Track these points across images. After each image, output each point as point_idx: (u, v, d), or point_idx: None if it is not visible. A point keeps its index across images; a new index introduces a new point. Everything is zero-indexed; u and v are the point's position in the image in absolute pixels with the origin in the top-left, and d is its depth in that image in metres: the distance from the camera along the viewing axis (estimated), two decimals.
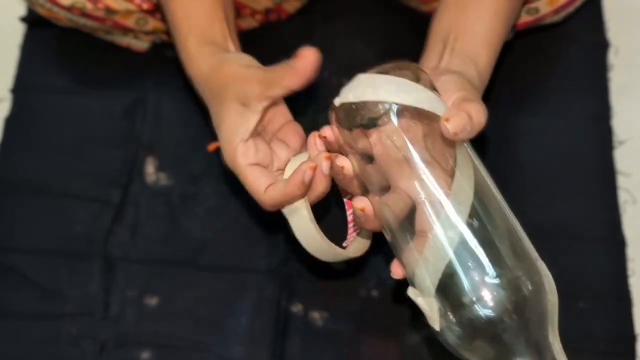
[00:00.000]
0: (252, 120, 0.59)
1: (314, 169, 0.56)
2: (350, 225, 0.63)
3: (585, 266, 0.77)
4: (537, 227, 0.78)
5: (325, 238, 0.60)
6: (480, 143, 0.81)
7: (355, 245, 0.64)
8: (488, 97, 0.84)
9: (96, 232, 0.77)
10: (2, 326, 0.74)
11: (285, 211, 0.60)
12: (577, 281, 0.76)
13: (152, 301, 0.75)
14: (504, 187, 0.80)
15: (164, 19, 0.80)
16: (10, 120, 0.83)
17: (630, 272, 0.77)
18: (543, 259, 0.77)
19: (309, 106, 0.83)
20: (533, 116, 0.83)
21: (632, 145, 0.83)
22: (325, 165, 0.57)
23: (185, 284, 0.75)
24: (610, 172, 0.81)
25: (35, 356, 0.73)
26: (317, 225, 0.60)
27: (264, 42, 0.86)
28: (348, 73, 0.84)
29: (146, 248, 0.77)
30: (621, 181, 0.81)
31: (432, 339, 0.73)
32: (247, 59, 0.61)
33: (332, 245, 0.61)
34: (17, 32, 0.88)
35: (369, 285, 0.76)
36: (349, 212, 0.63)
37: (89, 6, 0.74)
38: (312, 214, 0.59)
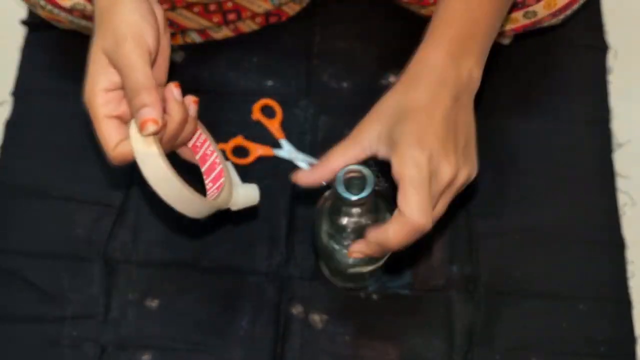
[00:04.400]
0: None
1: (157, 121, 0.53)
2: (207, 179, 0.61)
3: (585, 268, 0.77)
4: (536, 229, 0.78)
5: (185, 184, 0.56)
6: (478, 145, 0.82)
7: (223, 196, 0.61)
8: (488, 100, 0.84)
9: (97, 235, 0.77)
10: (3, 329, 0.74)
11: (138, 157, 0.56)
12: (576, 283, 0.76)
13: (153, 304, 0.75)
14: (503, 189, 0.80)
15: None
16: (11, 124, 0.83)
17: (629, 274, 0.77)
18: (543, 261, 0.77)
19: (309, 109, 0.84)
20: (533, 119, 0.83)
21: (631, 148, 0.83)
22: (176, 91, 0.55)
23: (186, 286, 0.76)
24: (610, 175, 0.81)
25: (37, 359, 0.73)
26: (174, 172, 0.56)
27: (264, 45, 0.86)
28: (347, 76, 0.85)
29: (147, 251, 0.77)
30: (620, 184, 0.81)
31: (431, 341, 0.74)
32: (142, 15, 0.55)
33: (194, 192, 0.57)
34: (17, 35, 0.88)
35: (369, 288, 0.76)
36: (204, 167, 0.61)
37: (90, 8, 0.74)
38: (167, 161, 0.56)
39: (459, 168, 0.55)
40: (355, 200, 0.56)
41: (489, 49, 0.58)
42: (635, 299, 0.76)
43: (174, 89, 0.55)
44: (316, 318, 0.75)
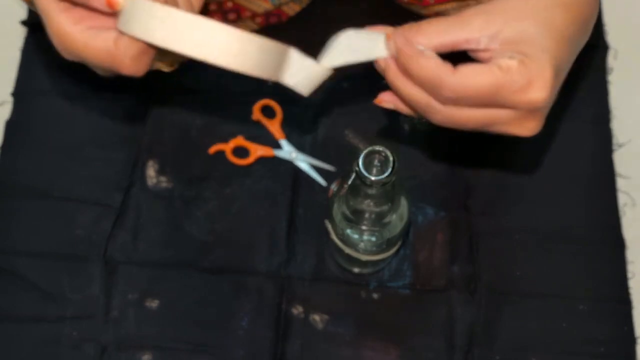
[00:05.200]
0: None
1: None
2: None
3: (585, 269, 0.77)
4: (537, 229, 0.78)
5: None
6: (479, 145, 0.82)
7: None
8: None
9: (97, 235, 0.77)
10: (3, 329, 0.74)
11: (124, 19, 0.43)
12: (577, 284, 0.76)
13: (153, 304, 0.75)
14: (504, 190, 0.80)
15: None
16: (11, 124, 0.83)
17: (629, 274, 0.77)
18: (543, 261, 0.77)
19: (308, 109, 0.84)
20: None
21: (631, 148, 0.83)
22: None
23: (186, 287, 0.76)
24: (610, 175, 0.81)
25: (37, 359, 0.73)
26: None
27: None
28: (347, 76, 0.85)
29: (147, 251, 0.77)
30: (620, 184, 0.81)
31: (432, 341, 0.74)
32: None
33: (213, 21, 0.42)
34: (18, 35, 0.88)
35: (369, 288, 0.76)
36: None
37: None
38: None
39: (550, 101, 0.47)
40: (376, 181, 0.57)
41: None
42: (635, 299, 0.76)
43: None
44: (316, 318, 0.75)
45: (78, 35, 0.44)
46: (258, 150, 0.81)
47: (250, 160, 0.80)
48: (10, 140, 0.82)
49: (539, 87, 0.44)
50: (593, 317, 0.75)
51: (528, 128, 0.48)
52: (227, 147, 0.80)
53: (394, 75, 0.48)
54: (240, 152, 0.81)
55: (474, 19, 0.46)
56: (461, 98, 0.46)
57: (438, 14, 0.80)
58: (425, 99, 0.47)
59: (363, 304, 0.75)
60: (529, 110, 0.46)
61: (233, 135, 0.81)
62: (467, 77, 0.45)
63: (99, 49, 0.44)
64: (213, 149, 0.80)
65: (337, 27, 0.88)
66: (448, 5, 0.76)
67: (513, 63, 0.45)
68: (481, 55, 0.47)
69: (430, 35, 0.47)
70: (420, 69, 0.46)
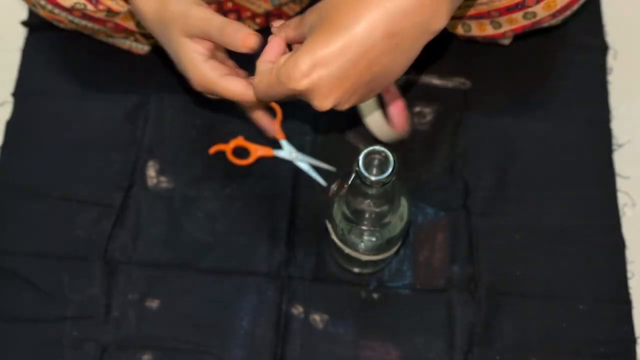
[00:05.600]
0: (204, 45, 0.62)
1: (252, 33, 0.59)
2: None
3: (585, 269, 0.77)
4: (537, 229, 0.78)
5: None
6: (479, 145, 0.82)
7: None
8: (488, 100, 0.85)
9: (97, 235, 0.77)
10: (4, 330, 0.74)
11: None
12: (577, 284, 0.76)
13: (153, 304, 0.75)
14: (504, 190, 0.80)
15: None
16: (11, 124, 0.83)
17: (629, 274, 0.77)
18: (543, 261, 0.77)
19: (308, 110, 0.84)
20: (532, 119, 0.84)
21: (631, 148, 0.83)
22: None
23: (186, 287, 0.76)
24: (610, 175, 0.81)
25: (37, 359, 0.73)
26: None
27: (266, 45, 0.86)
28: None
29: (147, 251, 0.77)
30: (620, 184, 0.81)
31: (432, 341, 0.74)
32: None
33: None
34: (18, 36, 0.88)
35: (370, 288, 0.76)
36: None
37: (90, 8, 0.74)
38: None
39: (337, 104, 0.55)
40: (376, 181, 0.57)
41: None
42: (635, 299, 0.76)
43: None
44: (317, 318, 0.75)
45: (217, 80, 0.62)
46: (258, 151, 0.81)
47: (250, 160, 0.80)
48: (11, 140, 0.82)
49: (295, 74, 0.52)
50: (593, 317, 0.75)
51: (314, 102, 0.55)
52: (227, 147, 0.81)
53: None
54: (241, 152, 0.81)
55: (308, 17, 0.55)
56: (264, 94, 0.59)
57: None
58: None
59: (363, 304, 0.75)
60: (303, 93, 0.54)
61: (233, 135, 0.81)
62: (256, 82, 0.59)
63: (233, 90, 0.62)
64: (213, 149, 0.80)
65: None
66: None
67: (289, 55, 0.54)
68: None
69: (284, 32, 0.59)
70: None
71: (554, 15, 0.74)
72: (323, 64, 0.51)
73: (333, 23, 0.51)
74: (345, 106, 0.56)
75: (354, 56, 0.51)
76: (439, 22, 0.51)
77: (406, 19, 0.50)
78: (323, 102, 0.54)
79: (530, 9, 0.72)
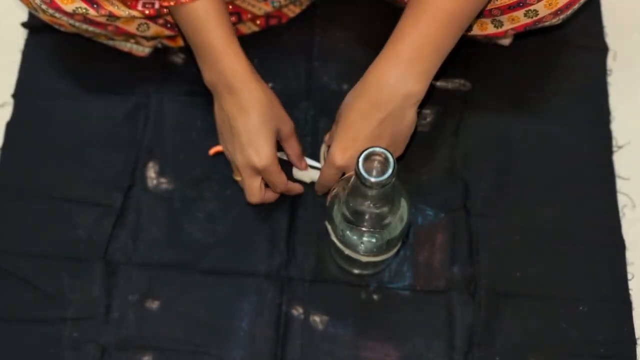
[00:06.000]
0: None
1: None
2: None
3: (585, 270, 0.77)
4: (537, 230, 0.78)
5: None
6: (479, 146, 0.82)
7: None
8: (488, 101, 0.85)
9: (98, 236, 0.77)
10: (4, 330, 0.74)
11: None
12: (576, 285, 0.76)
13: (153, 305, 0.75)
14: (504, 191, 0.80)
15: (166, 25, 0.80)
16: (11, 125, 0.83)
17: (629, 275, 0.77)
18: (543, 262, 0.77)
19: (309, 111, 0.84)
20: (533, 121, 0.84)
21: (631, 149, 0.83)
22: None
23: (186, 288, 0.76)
24: (610, 177, 0.81)
25: None
26: None
27: (265, 47, 0.86)
28: (348, 78, 0.85)
29: (147, 252, 0.77)
30: (620, 185, 0.81)
31: (432, 342, 0.74)
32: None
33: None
34: (19, 37, 0.88)
35: (370, 289, 0.76)
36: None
37: (92, 12, 0.74)
38: None
39: None
40: (376, 182, 0.57)
41: (438, 65, 0.70)
42: (635, 300, 0.76)
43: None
44: (317, 319, 0.75)
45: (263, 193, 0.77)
46: None
47: None
48: (11, 141, 0.82)
49: (336, 158, 0.71)
50: (593, 318, 0.75)
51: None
52: None
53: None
54: None
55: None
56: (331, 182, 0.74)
57: None
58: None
59: (363, 305, 0.75)
60: (346, 167, 0.72)
61: None
62: (322, 174, 0.76)
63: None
64: (213, 151, 0.80)
65: (336, 28, 0.88)
66: None
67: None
68: None
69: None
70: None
71: (555, 14, 0.74)
72: (351, 142, 0.70)
73: (346, 122, 0.71)
74: None
75: (369, 130, 0.70)
76: (420, 95, 0.70)
77: (403, 106, 0.70)
78: None
79: (531, 7, 0.72)
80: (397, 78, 0.69)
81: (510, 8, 0.73)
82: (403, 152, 0.74)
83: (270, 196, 0.77)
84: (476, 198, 0.79)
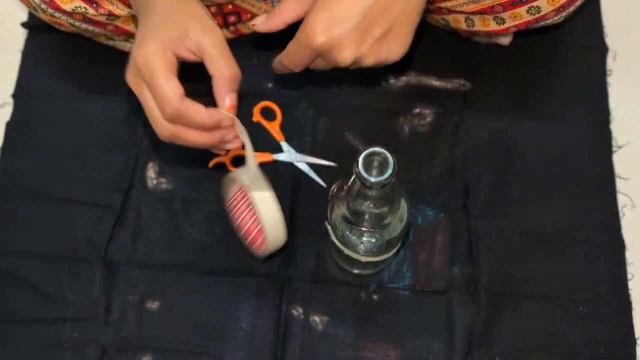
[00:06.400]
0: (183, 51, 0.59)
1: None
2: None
3: (585, 270, 0.77)
4: (537, 231, 0.78)
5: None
6: (479, 146, 0.82)
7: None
8: (488, 102, 0.85)
9: (98, 237, 0.77)
10: (4, 330, 0.74)
11: (256, 196, 0.65)
12: (577, 285, 0.76)
13: (154, 306, 0.75)
14: (504, 191, 0.80)
15: None
16: (11, 126, 0.83)
17: (629, 276, 0.77)
18: (543, 262, 0.77)
19: (309, 111, 0.84)
20: (532, 121, 0.84)
21: (631, 149, 0.83)
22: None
23: (186, 288, 0.76)
24: (610, 177, 0.81)
25: None
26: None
27: (265, 47, 0.86)
28: (348, 78, 0.85)
29: (147, 253, 0.77)
30: (620, 185, 0.81)
31: (432, 343, 0.74)
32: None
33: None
34: (19, 37, 0.88)
35: (370, 289, 0.76)
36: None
37: (91, 12, 0.74)
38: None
39: (359, 57, 0.60)
40: (376, 183, 0.57)
41: None
42: (635, 301, 0.76)
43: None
44: (317, 320, 0.75)
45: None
46: (258, 158, 0.80)
47: None
48: (11, 142, 0.82)
49: (315, 35, 0.58)
50: (593, 318, 0.75)
51: (341, 58, 0.60)
52: (227, 158, 0.80)
53: None
54: (240, 161, 0.81)
55: None
56: (299, 65, 0.63)
57: (442, 11, 0.79)
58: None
59: (363, 305, 0.75)
60: (324, 49, 0.59)
61: None
62: (286, 53, 0.63)
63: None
64: (213, 163, 0.80)
65: None
66: (451, 3, 0.76)
67: (302, 23, 0.59)
68: None
69: (284, 12, 0.62)
70: None
71: (558, 11, 0.73)
72: (339, 18, 0.57)
73: None
74: (369, 60, 0.61)
75: (366, 6, 0.56)
76: None
77: None
78: (343, 55, 0.59)
79: (534, 4, 0.72)
80: None
81: (513, 5, 0.73)
82: (410, 46, 0.62)
83: (189, 135, 0.60)
84: (476, 198, 0.79)
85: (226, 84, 0.60)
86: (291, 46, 0.61)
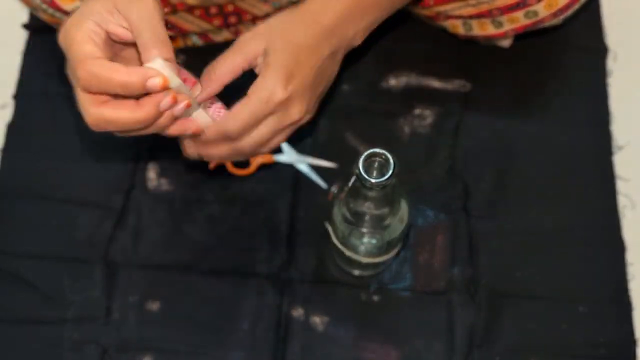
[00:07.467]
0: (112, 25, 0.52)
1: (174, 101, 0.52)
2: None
3: (585, 270, 0.77)
4: (537, 231, 0.79)
5: None
6: (478, 146, 0.82)
7: None
8: (488, 102, 0.85)
9: (98, 237, 0.77)
10: (4, 331, 0.74)
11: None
12: (577, 285, 0.76)
13: (154, 306, 0.75)
14: (504, 191, 0.80)
15: (165, 25, 0.80)
16: (12, 126, 0.83)
17: (629, 276, 0.77)
18: (543, 263, 0.77)
19: None
20: (532, 121, 0.84)
21: (631, 150, 0.83)
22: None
23: (187, 289, 0.76)
24: (610, 177, 0.81)
25: None
26: None
27: None
28: (347, 78, 0.85)
29: (148, 253, 0.77)
30: (620, 186, 0.81)
31: (432, 343, 0.74)
32: None
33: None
34: (19, 38, 0.88)
35: (370, 290, 0.76)
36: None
37: None
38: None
39: (307, 112, 0.61)
40: (376, 183, 0.57)
41: (377, 23, 0.63)
42: (635, 301, 0.76)
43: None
44: (317, 320, 0.75)
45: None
46: (258, 158, 0.81)
47: (251, 169, 0.80)
48: (12, 142, 0.83)
49: (277, 90, 0.57)
50: (593, 319, 0.75)
51: (293, 114, 0.59)
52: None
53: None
54: (241, 162, 0.81)
55: (248, 45, 0.58)
56: (248, 130, 0.59)
57: (438, 15, 0.80)
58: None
59: (363, 306, 0.75)
60: (281, 105, 0.58)
61: None
62: (236, 116, 0.58)
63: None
64: (213, 165, 0.80)
65: None
66: (448, 6, 0.77)
67: (258, 81, 0.57)
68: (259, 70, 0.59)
69: (221, 74, 0.58)
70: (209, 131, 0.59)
71: (555, 15, 0.74)
72: (295, 74, 0.57)
73: (289, 45, 0.58)
74: (311, 114, 0.62)
75: (317, 64, 0.59)
76: (359, 41, 0.62)
77: (342, 44, 0.61)
78: (297, 108, 0.59)
79: (531, 8, 0.72)
80: (347, 21, 0.60)
81: (510, 9, 0.73)
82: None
83: (117, 113, 0.52)
84: (476, 199, 0.79)
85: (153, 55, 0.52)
86: (244, 108, 0.57)
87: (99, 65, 0.50)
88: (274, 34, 0.58)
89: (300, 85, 0.58)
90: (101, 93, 0.52)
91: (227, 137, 0.58)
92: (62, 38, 0.52)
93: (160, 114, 0.53)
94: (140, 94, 0.52)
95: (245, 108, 0.57)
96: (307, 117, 0.62)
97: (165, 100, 0.52)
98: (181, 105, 0.53)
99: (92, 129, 0.54)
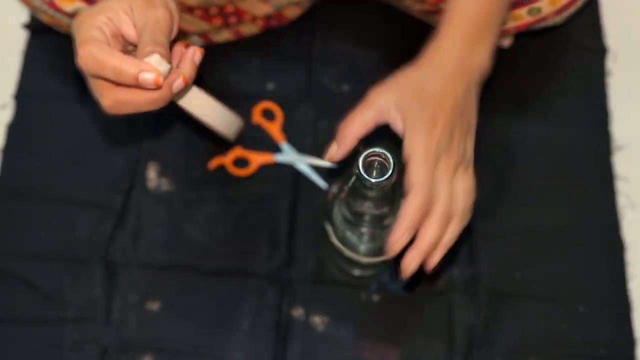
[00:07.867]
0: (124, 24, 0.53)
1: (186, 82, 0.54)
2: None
3: (585, 270, 0.77)
4: (537, 231, 0.79)
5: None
6: (478, 147, 0.82)
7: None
8: (488, 102, 0.84)
9: (98, 237, 0.77)
10: (5, 331, 0.74)
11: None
12: (576, 286, 0.76)
13: (154, 306, 0.75)
14: (504, 191, 0.80)
15: None
16: (12, 127, 0.83)
17: (629, 276, 0.77)
18: (543, 263, 0.77)
19: (309, 112, 0.84)
20: (532, 121, 0.84)
21: (630, 150, 0.83)
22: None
23: (187, 289, 0.76)
24: (609, 177, 0.81)
25: None
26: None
27: (265, 48, 0.86)
28: (348, 79, 0.85)
29: (148, 253, 0.77)
30: (620, 186, 0.81)
31: (432, 344, 0.74)
32: None
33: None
34: (20, 38, 0.88)
35: (370, 290, 0.76)
36: None
37: None
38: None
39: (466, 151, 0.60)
40: (376, 183, 0.57)
41: (497, 38, 0.62)
42: (634, 301, 0.76)
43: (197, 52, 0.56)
44: (317, 320, 0.75)
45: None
46: (258, 158, 0.81)
47: (251, 169, 0.80)
48: (12, 142, 0.83)
49: (427, 138, 0.57)
50: (593, 319, 0.75)
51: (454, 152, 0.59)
52: (227, 159, 0.80)
53: None
54: (241, 162, 0.81)
55: (378, 99, 0.60)
56: (433, 187, 0.58)
57: (440, 11, 0.79)
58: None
59: (363, 306, 0.75)
60: (441, 149, 0.58)
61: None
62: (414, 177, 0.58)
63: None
64: (213, 164, 0.80)
65: (337, 30, 0.88)
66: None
67: (406, 139, 0.58)
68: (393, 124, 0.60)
69: (355, 130, 0.60)
70: None
71: (558, 12, 0.73)
72: (439, 121, 0.58)
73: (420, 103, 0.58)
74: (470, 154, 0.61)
75: (454, 112, 0.58)
76: (487, 65, 0.61)
77: (473, 75, 0.60)
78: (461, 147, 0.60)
79: (535, 5, 0.72)
80: (471, 49, 0.60)
81: (514, 5, 0.73)
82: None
83: (126, 96, 0.53)
84: (476, 199, 0.79)
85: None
86: (417, 169, 0.57)
87: (97, 46, 0.51)
88: (405, 87, 0.60)
89: (445, 128, 0.58)
90: (96, 76, 0.53)
91: (424, 207, 0.57)
92: (75, 25, 0.54)
93: (174, 94, 0.55)
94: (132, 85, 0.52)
95: (416, 166, 0.57)
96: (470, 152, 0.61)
97: (178, 81, 0.54)
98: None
99: (108, 112, 0.55)
